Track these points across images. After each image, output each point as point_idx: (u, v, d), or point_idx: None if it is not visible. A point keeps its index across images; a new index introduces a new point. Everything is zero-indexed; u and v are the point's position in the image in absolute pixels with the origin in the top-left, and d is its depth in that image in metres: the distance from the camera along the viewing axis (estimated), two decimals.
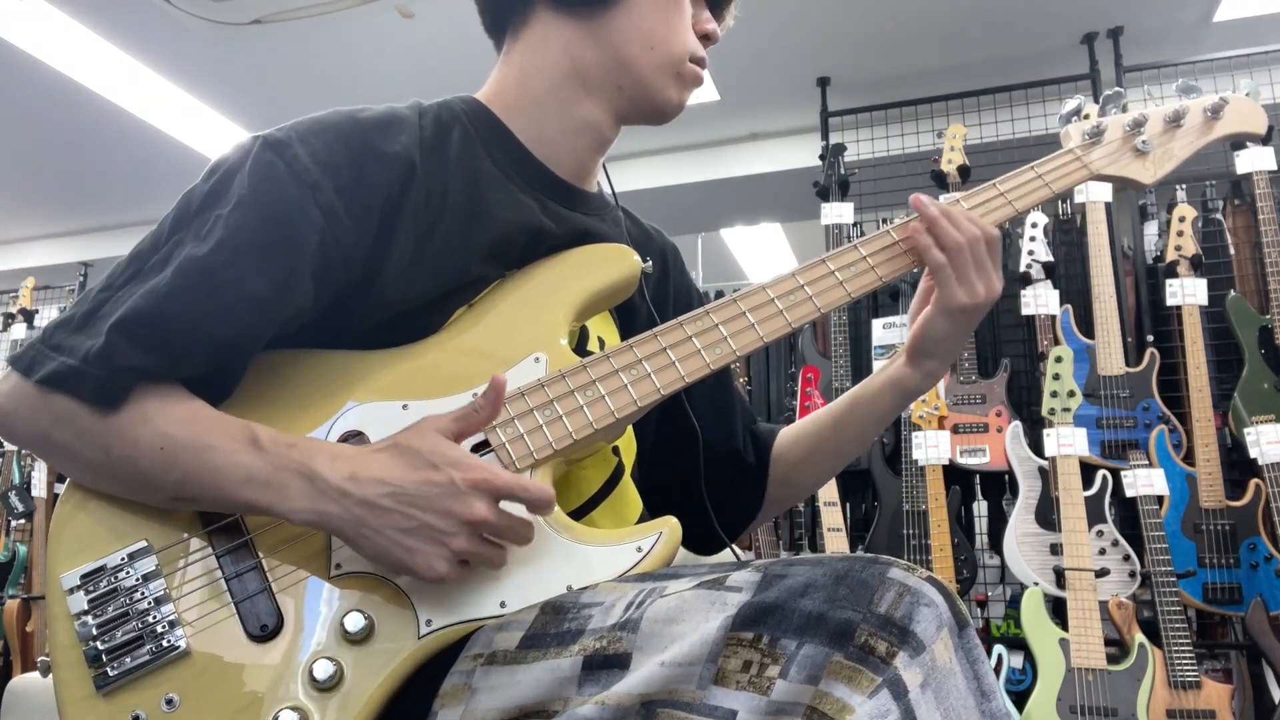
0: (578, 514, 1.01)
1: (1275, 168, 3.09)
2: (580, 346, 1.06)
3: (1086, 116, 3.31)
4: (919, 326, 1.10)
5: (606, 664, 0.78)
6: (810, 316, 1.02)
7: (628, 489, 1.09)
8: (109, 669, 0.85)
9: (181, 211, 0.95)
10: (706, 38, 1.12)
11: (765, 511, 1.29)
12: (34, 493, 4.07)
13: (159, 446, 0.88)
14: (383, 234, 0.97)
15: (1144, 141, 1.15)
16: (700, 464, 1.19)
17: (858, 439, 1.21)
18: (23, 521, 4.06)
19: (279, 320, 0.93)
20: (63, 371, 0.88)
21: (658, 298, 1.22)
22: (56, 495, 4.08)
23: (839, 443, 1.22)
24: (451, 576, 0.85)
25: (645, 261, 1.07)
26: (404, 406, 0.95)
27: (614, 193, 1.21)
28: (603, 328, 1.11)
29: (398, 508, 0.84)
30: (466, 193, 1.02)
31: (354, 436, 0.94)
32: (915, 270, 1.09)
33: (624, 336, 1.09)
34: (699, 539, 1.25)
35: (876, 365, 3.36)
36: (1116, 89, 1.20)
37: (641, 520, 1.11)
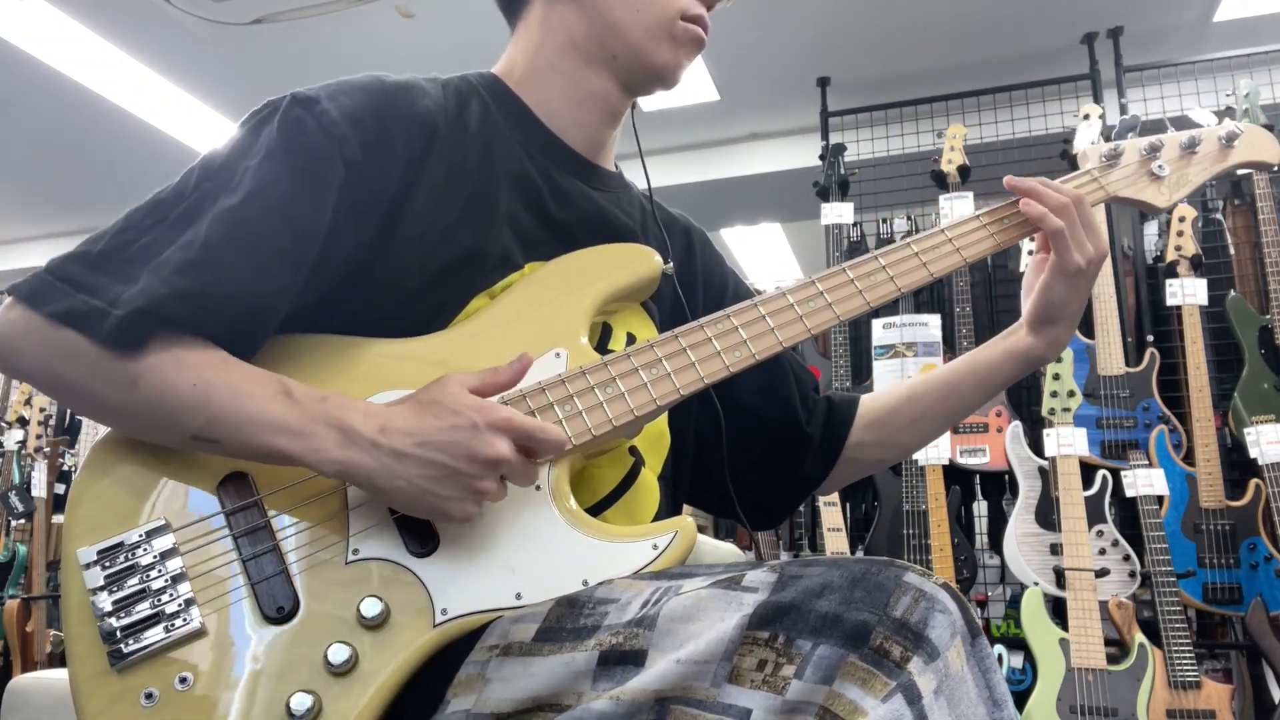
0: (592, 512, 1.01)
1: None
2: (603, 342, 1.07)
3: (1087, 117, 3.29)
4: (1039, 295, 1.13)
5: (622, 660, 0.78)
6: (829, 324, 1.04)
7: (643, 489, 1.09)
8: (123, 645, 0.85)
9: (207, 164, 0.96)
10: None
11: (836, 478, 1.31)
12: (34, 493, 4.07)
13: (192, 384, 0.88)
14: (401, 191, 0.98)
15: (1160, 166, 1.17)
16: (743, 442, 1.21)
17: (973, 404, 1.24)
18: (23, 521, 4.06)
19: (304, 274, 0.94)
20: (82, 309, 0.87)
21: (686, 279, 1.22)
22: (57, 495, 4.08)
23: (955, 405, 1.24)
24: (476, 514, 0.88)
25: (667, 263, 1.07)
26: None
27: (650, 189, 1.22)
28: (635, 323, 1.12)
29: (426, 454, 0.85)
30: (483, 163, 1.04)
31: None
32: (933, 281, 1.10)
33: (661, 327, 1.11)
34: (759, 514, 1.30)
35: (876, 365, 3.36)
36: (1134, 114, 1.22)
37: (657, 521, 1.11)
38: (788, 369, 1.29)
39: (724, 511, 1.32)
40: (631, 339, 1.09)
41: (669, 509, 1.13)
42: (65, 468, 4.27)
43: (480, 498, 0.87)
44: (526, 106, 1.10)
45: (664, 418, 1.13)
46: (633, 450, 1.08)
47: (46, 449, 4.17)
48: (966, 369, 1.22)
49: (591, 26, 1.08)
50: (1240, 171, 3.18)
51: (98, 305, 0.87)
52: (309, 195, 0.93)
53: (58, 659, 3.76)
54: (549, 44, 1.11)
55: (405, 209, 0.98)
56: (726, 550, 1.67)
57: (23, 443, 4.25)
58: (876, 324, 3.39)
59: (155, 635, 0.86)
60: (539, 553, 0.91)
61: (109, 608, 0.86)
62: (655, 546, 0.91)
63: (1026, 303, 1.16)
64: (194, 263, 0.88)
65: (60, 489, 4.16)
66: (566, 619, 0.84)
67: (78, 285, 0.89)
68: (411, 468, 0.86)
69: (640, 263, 1.06)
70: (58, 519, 4.12)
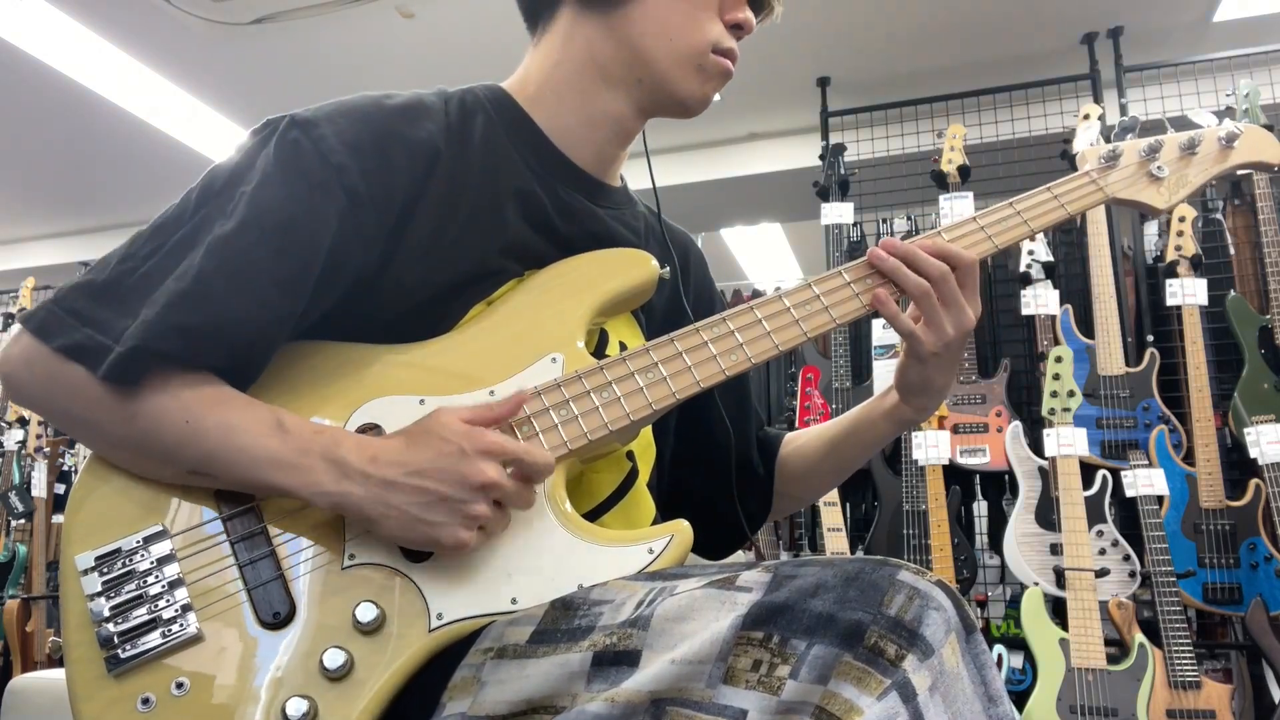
0: (590, 517, 1.01)
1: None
2: (600, 349, 1.07)
3: (1086, 116, 3.28)
4: (896, 373, 1.11)
5: (616, 660, 0.78)
6: (826, 328, 1.03)
7: (641, 494, 1.09)
8: (120, 651, 0.86)
9: (207, 186, 0.96)
10: (738, 27, 1.09)
11: (768, 517, 1.31)
12: (34, 493, 4.07)
13: (184, 420, 0.88)
14: (403, 219, 0.97)
15: (1159, 167, 1.16)
16: (722, 469, 1.21)
17: (853, 461, 1.24)
18: (23, 521, 4.06)
19: (303, 302, 0.94)
20: (88, 345, 0.88)
21: (677, 298, 1.22)
22: (57, 495, 4.08)
23: (836, 462, 1.24)
24: (473, 543, 0.87)
25: (663, 268, 1.07)
26: (421, 401, 0.96)
27: (655, 191, 1.22)
28: (625, 331, 1.12)
29: (415, 482, 0.86)
30: (487, 181, 1.03)
31: (371, 429, 0.95)
32: None
33: (649, 338, 1.10)
34: (707, 544, 1.27)
35: (876, 365, 3.36)
36: (1133, 115, 1.20)
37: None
38: (751, 405, 1.30)
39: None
40: (624, 348, 1.09)
41: (661, 516, 1.14)
42: (65, 468, 4.27)
43: (473, 523, 0.87)
44: (534, 123, 1.09)
45: (649, 429, 1.13)
46: (630, 455, 1.08)
47: (46, 449, 4.17)
48: (847, 429, 1.21)
49: (618, 49, 1.07)
50: (1240, 172, 3.18)
51: (101, 340, 0.88)
52: (305, 221, 0.92)
53: (58, 659, 3.76)
54: (569, 61, 1.09)
55: (407, 231, 0.98)
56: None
57: (23, 443, 4.25)
58: (876, 324, 3.39)
59: (152, 641, 0.86)
60: (535, 557, 0.91)
61: (106, 613, 0.87)
62: (651, 550, 0.91)
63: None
64: (189, 294, 0.88)
65: (60, 489, 4.16)
66: (561, 620, 0.84)
67: (83, 319, 0.90)
68: (402, 496, 0.86)
69: (638, 267, 1.06)
70: (58, 519, 4.12)
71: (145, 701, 0.85)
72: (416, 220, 0.98)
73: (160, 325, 0.87)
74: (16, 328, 0.93)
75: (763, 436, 1.31)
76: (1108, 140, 1.19)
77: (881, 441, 1.19)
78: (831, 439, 1.23)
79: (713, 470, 1.24)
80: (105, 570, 0.89)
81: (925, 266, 1.03)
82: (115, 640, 0.86)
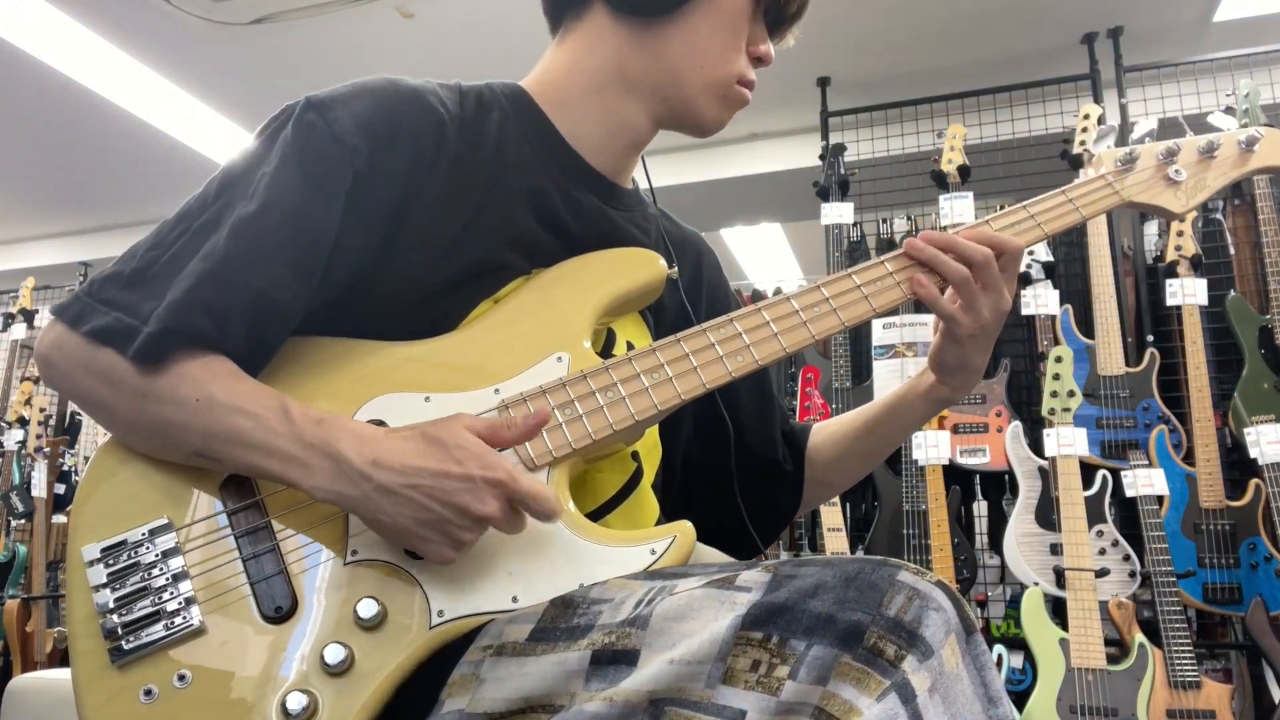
0: (593, 517, 1.01)
1: None
2: (607, 348, 1.06)
3: (1086, 116, 3.28)
4: (933, 353, 1.12)
5: (615, 659, 0.78)
6: (834, 330, 1.02)
7: (645, 495, 1.09)
8: (124, 642, 0.86)
9: (227, 172, 0.98)
10: (759, 60, 1.11)
11: (800, 510, 1.31)
12: (34, 493, 4.07)
13: (195, 400, 0.89)
14: (406, 200, 0.98)
15: (1176, 171, 1.15)
16: (746, 465, 1.21)
17: (890, 443, 1.24)
18: (23, 521, 4.06)
19: (316, 282, 0.95)
20: (117, 328, 0.90)
21: (690, 300, 1.22)
22: (57, 495, 4.08)
23: (873, 445, 1.24)
24: (455, 560, 0.87)
25: (671, 267, 1.07)
26: (426, 399, 0.96)
27: (652, 189, 1.22)
28: (633, 331, 1.12)
29: (414, 497, 0.85)
30: (496, 175, 1.03)
31: (376, 425, 0.94)
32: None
33: (657, 339, 1.10)
34: (732, 540, 1.26)
35: (876, 365, 3.36)
36: (1152, 128, 1.20)
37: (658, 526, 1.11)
38: (774, 401, 1.30)
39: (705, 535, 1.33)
40: (631, 348, 1.08)
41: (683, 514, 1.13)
42: (65, 468, 4.27)
43: (462, 547, 0.87)
44: (552, 125, 1.09)
45: (656, 428, 1.13)
46: (634, 456, 1.08)
47: (46, 449, 4.17)
48: (883, 411, 1.22)
49: (649, 65, 1.07)
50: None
51: (130, 323, 0.90)
52: (321, 204, 0.94)
53: (58, 659, 3.77)
54: (595, 68, 1.09)
55: (408, 218, 0.98)
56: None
57: (23, 443, 4.25)
58: (876, 324, 3.38)
59: (155, 633, 0.87)
60: (536, 556, 0.90)
61: (111, 605, 0.88)
62: (653, 551, 0.90)
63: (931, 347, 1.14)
64: (215, 275, 0.90)
65: (60, 489, 4.16)
66: (560, 619, 0.84)
67: (112, 304, 0.92)
68: (397, 506, 0.85)
69: (645, 267, 1.06)
70: (58, 519, 4.12)
71: (148, 693, 0.85)
72: (417, 208, 0.99)
73: (188, 304, 0.89)
74: (49, 318, 0.95)
75: (788, 430, 1.31)
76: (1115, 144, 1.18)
77: (919, 423, 1.20)
78: (868, 422, 1.23)
79: (728, 469, 1.23)
80: (110, 562, 0.89)
81: (967, 252, 1.04)
82: (119, 632, 0.86)
